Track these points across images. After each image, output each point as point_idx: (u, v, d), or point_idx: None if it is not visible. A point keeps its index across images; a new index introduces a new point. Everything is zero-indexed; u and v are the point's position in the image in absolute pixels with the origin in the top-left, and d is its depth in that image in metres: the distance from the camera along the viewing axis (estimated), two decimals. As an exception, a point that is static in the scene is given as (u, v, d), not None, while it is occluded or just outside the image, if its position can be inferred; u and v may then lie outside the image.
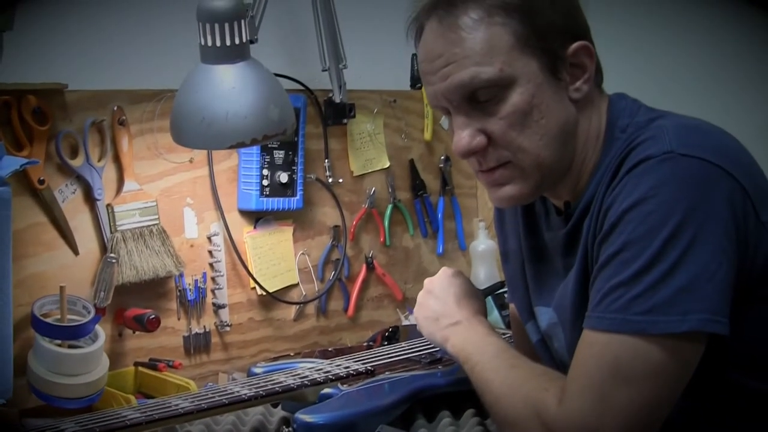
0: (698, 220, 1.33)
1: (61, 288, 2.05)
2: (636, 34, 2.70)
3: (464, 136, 1.51)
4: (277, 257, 2.58)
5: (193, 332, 2.41)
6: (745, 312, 1.40)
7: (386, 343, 2.40)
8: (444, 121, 2.99)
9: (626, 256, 1.36)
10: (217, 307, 2.46)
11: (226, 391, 1.81)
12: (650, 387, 1.34)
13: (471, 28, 1.48)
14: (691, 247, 1.33)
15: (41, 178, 2.10)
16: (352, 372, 1.98)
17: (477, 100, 1.49)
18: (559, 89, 1.51)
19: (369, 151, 2.81)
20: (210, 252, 2.45)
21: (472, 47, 1.47)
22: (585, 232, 1.51)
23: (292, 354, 2.30)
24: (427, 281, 1.90)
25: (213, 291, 2.45)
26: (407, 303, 2.83)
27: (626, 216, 1.37)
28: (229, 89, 1.94)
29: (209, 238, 2.45)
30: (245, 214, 2.53)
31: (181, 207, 2.39)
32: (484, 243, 3.00)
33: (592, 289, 1.43)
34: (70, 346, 2.04)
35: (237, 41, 1.94)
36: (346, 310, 2.76)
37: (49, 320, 2.03)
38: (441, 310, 1.82)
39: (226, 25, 1.92)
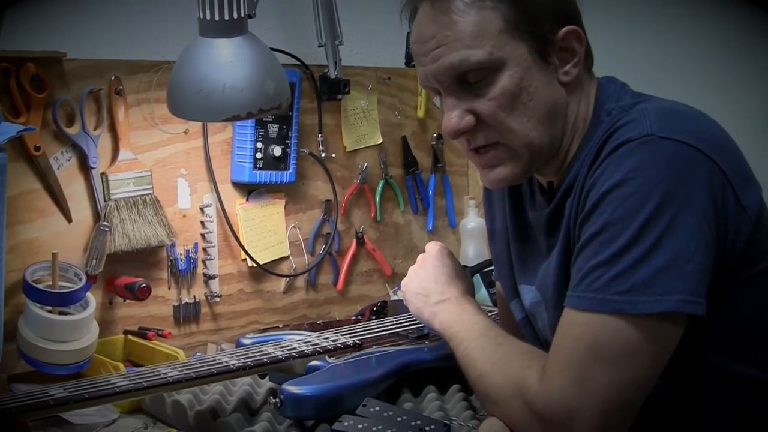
0: (677, 202, 1.35)
1: (54, 255, 2.06)
2: (627, 21, 2.70)
3: (453, 116, 1.53)
4: (268, 230, 2.60)
5: (183, 302, 2.43)
6: (726, 294, 1.43)
7: (374, 317, 2.42)
8: (437, 99, 2.99)
9: (606, 237, 1.38)
10: (208, 278, 2.47)
11: (214, 361, 1.82)
12: (629, 366, 1.36)
13: (462, 11, 1.50)
14: (670, 229, 1.34)
15: (37, 145, 2.11)
16: (339, 345, 1.99)
17: (467, 81, 1.52)
18: (549, 72, 1.54)
19: (362, 127, 2.82)
20: (202, 223, 2.46)
21: (462, 30, 1.50)
22: (567, 213, 1.53)
23: (280, 326, 2.31)
24: (420, 257, 1.92)
25: (204, 261, 2.47)
26: (396, 278, 2.85)
27: (606, 197, 1.39)
28: (227, 62, 1.95)
29: (202, 209, 2.46)
30: (238, 186, 2.54)
31: (175, 177, 2.41)
32: (473, 221, 3.01)
33: (573, 268, 1.45)
34: (61, 313, 2.04)
35: (235, 15, 1.95)
36: (335, 283, 2.78)
37: (40, 286, 2.03)
38: (431, 287, 1.84)
39: (225, -1, 1.93)
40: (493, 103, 1.51)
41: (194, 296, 2.45)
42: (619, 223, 1.37)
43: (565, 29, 1.53)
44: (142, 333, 2.26)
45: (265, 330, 2.25)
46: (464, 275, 1.88)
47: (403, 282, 1.92)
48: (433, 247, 1.92)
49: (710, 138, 1.42)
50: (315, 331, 2.14)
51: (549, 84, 1.54)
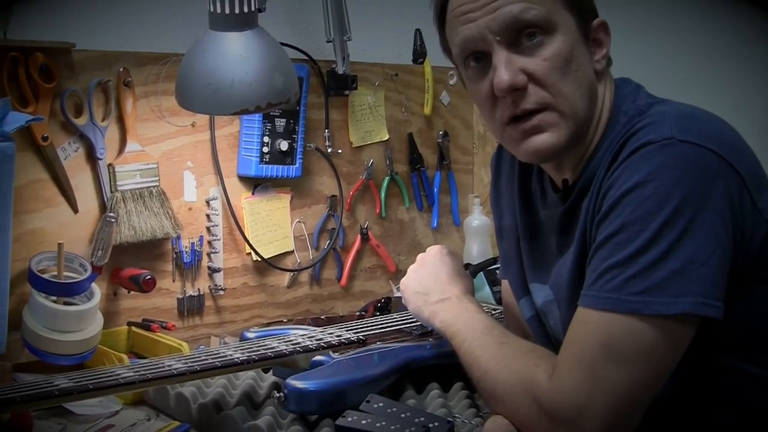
0: (695, 205, 1.36)
1: (59, 245, 2.07)
2: (635, 24, 2.70)
3: (507, 71, 1.51)
4: (273, 224, 2.60)
5: (187, 294, 2.43)
6: (739, 296, 1.43)
7: (378, 313, 2.42)
8: (444, 96, 3.01)
9: (623, 238, 1.39)
10: (212, 271, 2.48)
11: (218, 354, 1.82)
12: (640, 367, 1.37)
13: None
14: (687, 232, 1.35)
15: (45, 135, 2.11)
16: (344, 340, 1.99)
17: (521, 39, 1.51)
18: (588, 53, 1.56)
19: (369, 123, 2.82)
20: (208, 216, 2.47)
21: None
22: (584, 213, 1.54)
23: (284, 320, 2.31)
24: (419, 256, 1.94)
25: (209, 255, 2.47)
26: (400, 275, 2.83)
27: (625, 198, 1.40)
28: (236, 56, 1.95)
29: (207, 202, 2.46)
30: (244, 180, 2.54)
31: (182, 170, 2.41)
32: (478, 219, 3.02)
33: (588, 268, 1.46)
34: (66, 303, 2.05)
35: (245, 9, 1.95)
36: (339, 279, 2.78)
37: (45, 276, 2.03)
38: (431, 285, 1.85)
39: (236, -7, 1.94)
40: (548, 63, 1.51)
41: (198, 289, 2.45)
42: (637, 225, 1.38)
43: (598, 20, 1.57)
44: (146, 325, 2.26)
45: (268, 324, 2.25)
46: (464, 274, 1.89)
47: (403, 281, 1.93)
48: (432, 247, 1.93)
49: (728, 142, 1.43)
50: (318, 326, 2.14)
51: (589, 64, 1.56)
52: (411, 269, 1.94)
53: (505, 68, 1.51)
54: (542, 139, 1.54)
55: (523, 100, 1.52)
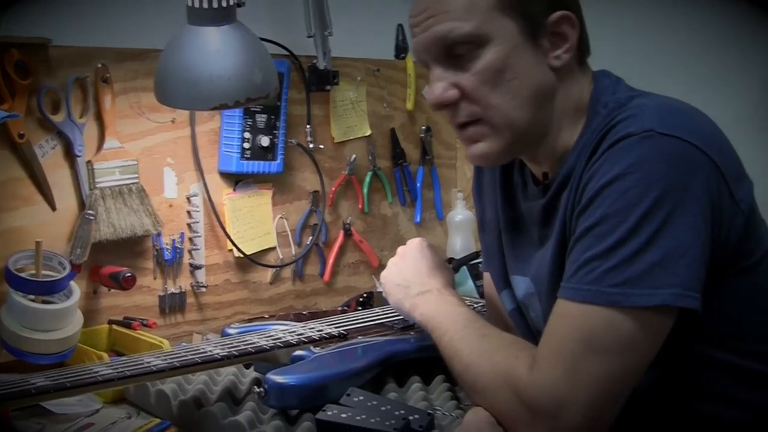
0: (675, 197, 1.36)
1: (37, 243, 2.05)
2: (613, 15, 2.70)
3: (437, 87, 1.55)
4: (255, 220, 2.59)
5: (168, 292, 2.42)
6: (717, 287, 1.43)
7: (360, 308, 2.41)
8: (426, 90, 2.99)
9: (602, 230, 1.39)
10: (194, 268, 2.47)
11: (198, 350, 1.81)
12: (620, 358, 1.37)
13: None
14: (667, 224, 1.35)
15: (21, 132, 2.10)
16: (325, 335, 1.98)
17: (454, 54, 1.53)
18: (538, 54, 1.54)
19: (351, 119, 2.82)
20: (188, 212, 2.45)
21: (454, 3, 1.51)
22: (563, 205, 1.54)
23: (266, 316, 2.31)
24: (400, 249, 1.93)
25: (190, 251, 2.46)
26: (383, 270, 2.84)
27: (604, 191, 1.40)
28: (215, 51, 1.94)
29: (188, 199, 2.45)
30: (225, 176, 2.53)
31: (162, 167, 2.40)
32: (461, 213, 3.01)
33: (567, 260, 1.46)
34: (44, 302, 2.03)
35: (224, 4, 1.95)
36: (322, 275, 2.78)
37: (23, 275, 2.02)
38: (412, 278, 1.85)
39: (214, -12, 1.93)
40: (477, 77, 1.52)
41: (180, 286, 2.44)
42: (616, 217, 1.38)
43: (558, 14, 1.54)
44: (126, 323, 2.25)
45: (250, 320, 2.24)
46: (445, 267, 1.89)
47: (383, 274, 1.93)
48: (413, 240, 1.93)
49: (707, 135, 1.43)
50: (300, 322, 2.13)
51: (537, 66, 1.54)
52: (391, 262, 1.94)
53: (436, 84, 1.56)
54: (479, 149, 1.58)
55: (456, 114, 1.56)
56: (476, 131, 1.56)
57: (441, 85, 1.55)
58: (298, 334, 1.96)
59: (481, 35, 1.50)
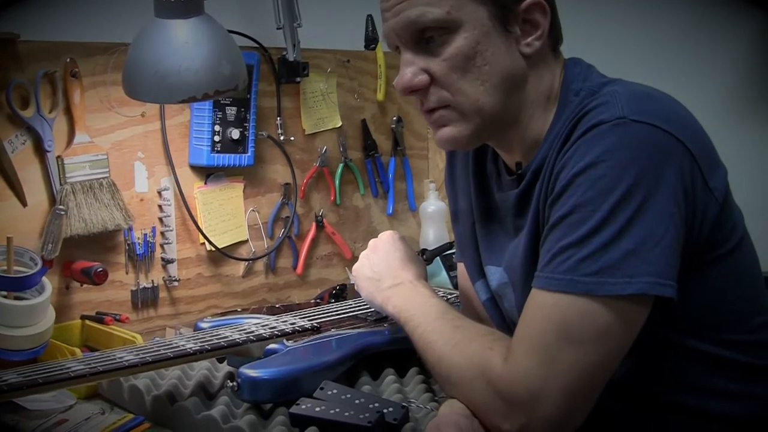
0: (648, 185, 1.36)
1: (8, 239, 2.04)
2: (589, 3, 2.71)
3: (407, 72, 1.55)
4: (227, 213, 2.59)
5: (141, 286, 2.41)
6: (692, 276, 1.44)
7: (333, 300, 2.41)
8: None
9: (576, 218, 1.39)
10: (166, 262, 2.46)
11: (171, 344, 1.81)
12: (596, 348, 1.37)
13: None
14: (640, 212, 1.35)
15: (-10, 128, 2.09)
16: (298, 328, 1.98)
17: (424, 40, 1.54)
18: (509, 41, 1.54)
19: (321, 110, 2.81)
20: (160, 206, 2.45)
21: None
22: (536, 194, 1.54)
23: (239, 310, 2.30)
24: (372, 242, 1.94)
25: (162, 245, 2.45)
26: (356, 262, 2.84)
27: (577, 179, 1.40)
28: (182, 44, 1.93)
29: (159, 193, 2.44)
30: (196, 169, 2.53)
31: (132, 161, 2.39)
32: (434, 204, 3.02)
33: (541, 249, 1.46)
34: (16, 298, 2.01)
35: (191, -4, 1.94)
36: (295, 267, 2.77)
37: (-5, 271, 2.02)
38: (384, 271, 1.85)
39: (181, -20, 1.92)
40: (447, 63, 1.53)
41: (152, 281, 2.44)
42: (589, 205, 1.38)
43: (529, 1, 1.54)
44: (99, 318, 2.24)
45: (224, 314, 2.24)
46: (417, 259, 1.89)
47: (355, 267, 1.93)
48: (385, 233, 1.93)
49: (680, 121, 1.43)
50: (274, 315, 2.13)
51: (507, 52, 1.54)
52: (363, 255, 1.94)
53: (405, 69, 1.56)
54: (446, 133, 1.58)
55: (426, 99, 1.57)
56: (443, 115, 1.56)
57: (411, 69, 1.55)
58: (270, 328, 1.96)
59: (451, 20, 1.51)
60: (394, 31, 1.56)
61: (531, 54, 1.56)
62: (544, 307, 1.41)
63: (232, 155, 2.54)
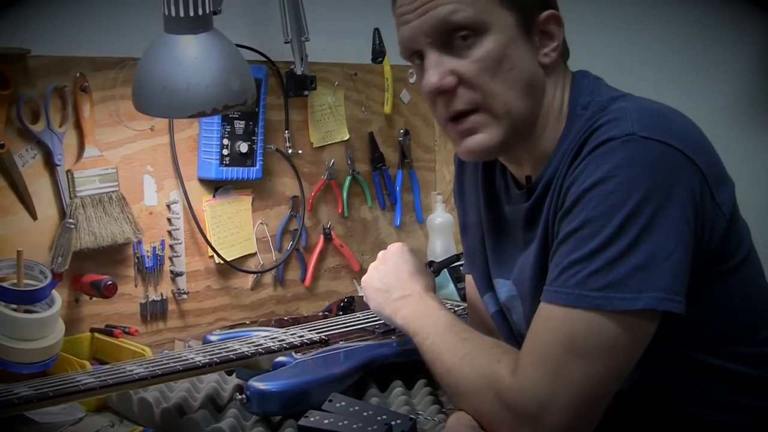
0: (657, 201, 1.36)
1: (19, 252, 2.04)
2: (598, 15, 2.72)
3: (435, 73, 1.53)
4: (235, 226, 2.60)
5: (150, 299, 2.42)
6: (700, 290, 1.43)
7: (341, 313, 2.42)
8: (404, 94, 3.01)
9: (585, 233, 1.39)
10: (175, 275, 2.47)
11: (180, 357, 1.82)
12: (603, 362, 1.37)
13: None
14: (649, 227, 1.36)
15: (1, 143, 2.10)
16: (306, 341, 1.99)
17: (451, 41, 1.52)
18: (531, 49, 1.55)
19: (329, 123, 2.82)
20: (169, 220, 2.46)
21: None
22: (546, 208, 1.54)
23: (248, 322, 2.31)
24: (380, 254, 1.94)
25: (171, 258, 2.46)
26: (364, 274, 2.84)
27: (587, 194, 1.40)
28: (192, 59, 1.94)
29: (168, 206, 2.45)
30: (205, 182, 2.54)
31: (141, 174, 2.40)
32: (441, 216, 3.02)
33: (551, 263, 1.46)
34: (26, 311, 2.02)
35: (200, 12, 1.94)
36: (303, 280, 2.78)
37: (5, 284, 2.01)
38: (393, 282, 1.85)
39: (190, -4, 1.93)
40: (477, 65, 1.51)
41: (161, 293, 2.45)
42: (599, 220, 1.38)
43: (547, 12, 1.56)
44: (108, 331, 2.25)
45: (232, 326, 2.25)
46: (426, 271, 1.90)
47: (364, 279, 1.94)
48: (393, 245, 1.93)
49: (689, 138, 1.43)
50: (282, 327, 2.13)
51: (530, 60, 1.55)
52: (372, 267, 1.94)
53: (433, 70, 1.53)
54: (476, 141, 1.56)
55: (454, 102, 1.54)
56: (476, 120, 1.54)
57: (439, 71, 1.53)
58: (279, 340, 1.97)
59: (482, 22, 1.50)
60: (421, 30, 1.53)
61: (548, 64, 1.57)
62: (553, 320, 1.41)
63: (241, 168, 2.55)
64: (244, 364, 1.89)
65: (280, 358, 1.91)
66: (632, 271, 1.36)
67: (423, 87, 1.56)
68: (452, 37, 1.52)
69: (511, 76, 1.52)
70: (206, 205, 2.53)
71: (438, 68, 1.53)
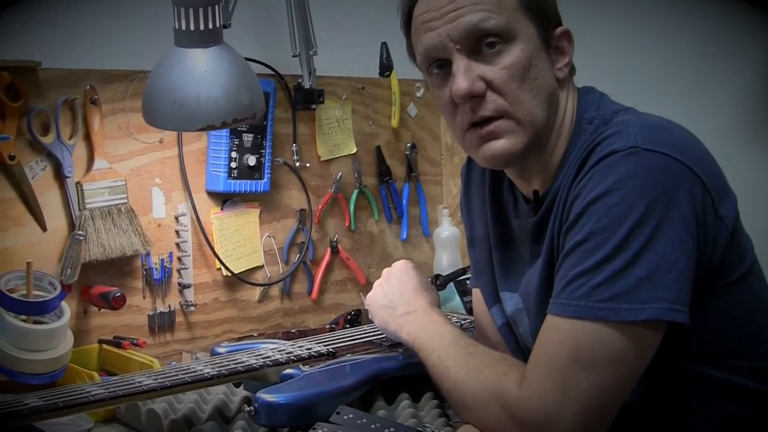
0: (660, 213, 1.37)
1: (28, 264, 2.05)
2: (602, 30, 2.72)
3: (465, 78, 1.54)
4: (243, 239, 2.61)
5: (157, 311, 2.43)
6: (704, 302, 1.45)
7: (348, 325, 2.43)
8: (411, 108, 3.02)
9: (590, 246, 1.40)
10: (183, 287, 2.48)
11: (189, 369, 1.82)
12: (610, 373, 1.39)
13: None
14: (653, 239, 1.37)
15: (12, 154, 2.11)
16: (314, 353, 1.99)
17: (480, 48, 1.54)
18: (549, 62, 1.58)
19: (336, 137, 2.83)
20: (177, 232, 2.47)
21: None
22: (551, 222, 1.56)
23: (255, 335, 2.32)
24: (385, 271, 1.95)
25: (179, 270, 2.47)
26: (371, 287, 2.83)
27: (591, 207, 1.41)
28: (202, 72, 1.95)
29: (176, 218, 2.46)
30: (213, 195, 2.55)
31: (150, 187, 2.41)
32: (447, 230, 3.03)
33: (556, 276, 1.47)
34: (35, 322, 2.02)
35: (210, 26, 1.96)
36: (309, 292, 2.79)
37: (14, 295, 2.01)
38: (398, 299, 1.86)
39: (201, 10, 1.94)
40: (506, 71, 1.53)
41: (169, 305, 2.45)
42: (604, 233, 1.39)
43: (561, 29, 1.59)
44: (116, 342, 2.26)
45: (239, 339, 2.25)
46: (430, 287, 1.91)
47: (369, 295, 1.95)
48: (398, 262, 1.95)
49: (691, 151, 1.45)
50: (289, 340, 2.14)
51: (549, 71, 1.58)
52: (377, 284, 1.95)
53: (464, 76, 1.53)
54: (499, 145, 1.56)
55: (481, 107, 1.55)
56: (501, 126, 1.55)
57: (469, 76, 1.54)
58: (287, 353, 1.97)
59: (510, 30, 1.53)
60: (450, 36, 1.54)
61: (562, 78, 1.60)
62: (559, 332, 1.42)
63: (249, 181, 2.56)
64: (252, 376, 1.90)
65: (288, 371, 1.91)
66: (637, 282, 1.37)
67: (453, 92, 1.55)
68: (480, 43, 1.53)
69: (536, 84, 1.54)
70: (214, 217, 2.54)
71: (468, 74, 1.54)
